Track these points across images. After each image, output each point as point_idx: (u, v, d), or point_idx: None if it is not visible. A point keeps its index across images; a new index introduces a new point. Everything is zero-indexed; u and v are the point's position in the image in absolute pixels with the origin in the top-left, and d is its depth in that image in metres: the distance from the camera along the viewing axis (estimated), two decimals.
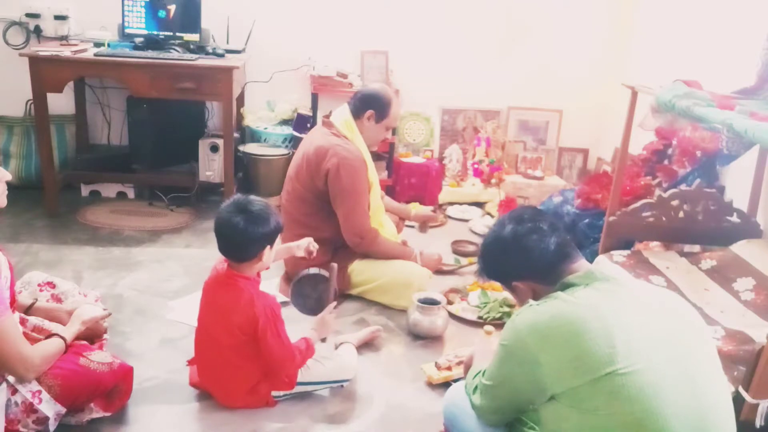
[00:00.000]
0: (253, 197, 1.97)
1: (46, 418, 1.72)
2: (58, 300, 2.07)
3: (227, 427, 1.95)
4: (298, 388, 2.08)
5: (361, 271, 2.76)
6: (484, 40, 4.15)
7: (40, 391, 1.70)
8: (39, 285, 2.09)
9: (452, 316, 2.66)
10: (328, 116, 2.86)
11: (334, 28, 4.00)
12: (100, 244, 3.14)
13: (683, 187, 2.80)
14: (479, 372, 1.59)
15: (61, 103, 3.70)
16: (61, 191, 3.53)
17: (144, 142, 3.72)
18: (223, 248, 1.97)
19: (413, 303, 2.52)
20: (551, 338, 1.32)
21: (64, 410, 1.76)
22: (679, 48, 3.49)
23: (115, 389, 1.89)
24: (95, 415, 1.85)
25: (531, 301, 1.45)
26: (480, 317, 2.67)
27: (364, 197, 2.69)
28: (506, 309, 2.68)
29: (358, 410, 2.09)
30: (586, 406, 1.27)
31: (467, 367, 1.82)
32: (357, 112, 2.75)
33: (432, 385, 2.22)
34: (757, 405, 1.76)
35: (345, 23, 4.00)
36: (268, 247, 1.97)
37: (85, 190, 3.78)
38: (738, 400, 1.76)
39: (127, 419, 1.94)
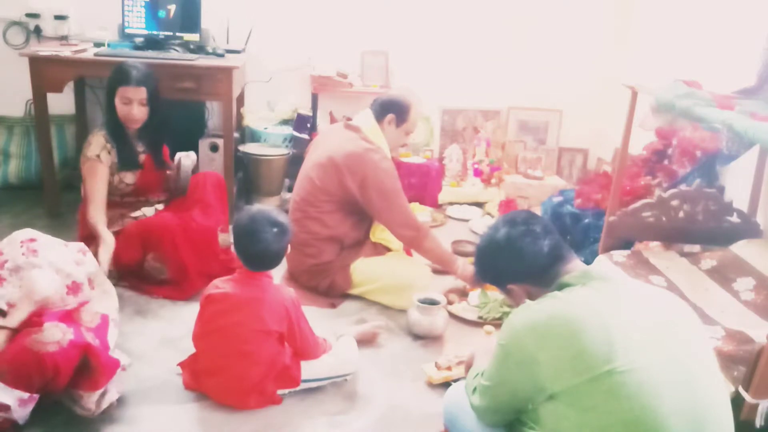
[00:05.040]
0: (269, 208, 2.07)
1: (8, 406, 1.68)
2: (33, 252, 1.95)
3: (227, 427, 1.95)
4: (303, 385, 2.09)
5: (362, 270, 2.76)
6: (484, 40, 4.15)
7: None
8: (21, 242, 1.97)
9: (452, 316, 2.66)
10: (350, 120, 2.88)
11: (334, 28, 4.00)
12: None
13: (683, 187, 2.80)
14: (478, 372, 1.59)
15: (61, 103, 3.69)
16: (62, 191, 3.52)
17: None
18: (251, 262, 2.03)
19: (413, 303, 2.52)
20: (549, 338, 1.33)
21: (27, 395, 1.71)
22: (679, 48, 3.49)
23: (86, 367, 1.81)
24: (90, 400, 1.81)
25: (528, 301, 1.45)
26: (480, 317, 2.67)
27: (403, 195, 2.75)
28: (506, 309, 2.67)
29: (358, 410, 2.08)
30: (584, 405, 1.27)
31: (468, 367, 1.82)
32: (378, 116, 2.82)
33: (432, 385, 2.22)
34: (757, 405, 1.76)
35: (345, 23, 4.00)
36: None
37: None
38: (738, 400, 1.76)
39: (127, 419, 1.94)
